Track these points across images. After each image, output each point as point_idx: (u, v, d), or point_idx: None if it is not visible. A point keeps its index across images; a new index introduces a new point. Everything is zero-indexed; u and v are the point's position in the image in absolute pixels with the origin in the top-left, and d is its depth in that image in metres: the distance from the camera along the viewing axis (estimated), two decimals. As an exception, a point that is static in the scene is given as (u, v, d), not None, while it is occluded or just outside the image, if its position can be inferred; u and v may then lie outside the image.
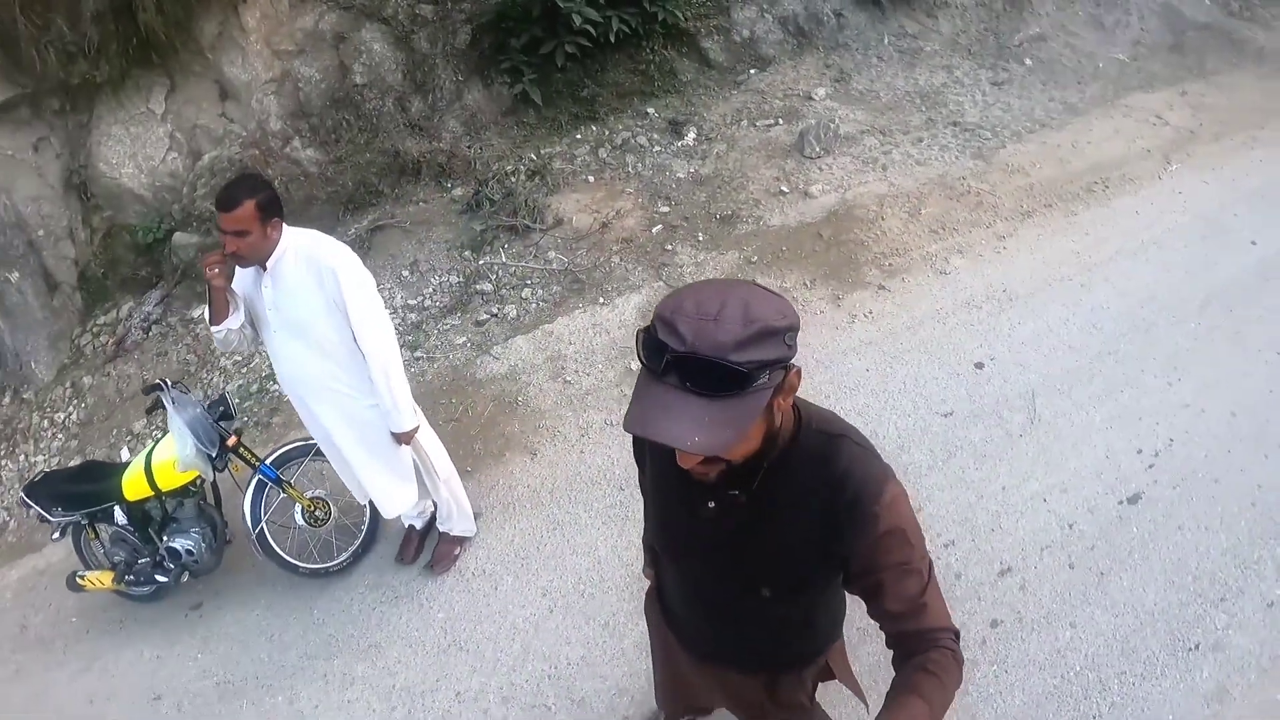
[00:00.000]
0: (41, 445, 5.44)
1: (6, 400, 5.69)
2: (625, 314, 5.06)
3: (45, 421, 5.53)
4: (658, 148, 6.16)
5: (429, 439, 3.72)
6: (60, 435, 5.46)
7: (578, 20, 5.90)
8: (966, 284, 5.04)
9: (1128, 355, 4.49)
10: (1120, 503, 3.75)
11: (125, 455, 5.24)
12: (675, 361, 1.27)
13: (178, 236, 5.77)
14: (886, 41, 6.92)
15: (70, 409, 5.52)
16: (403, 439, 3.47)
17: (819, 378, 4.52)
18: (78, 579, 4.21)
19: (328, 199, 5.95)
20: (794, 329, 1.34)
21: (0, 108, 5.39)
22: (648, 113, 6.39)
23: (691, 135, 6.19)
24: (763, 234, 5.47)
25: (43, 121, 5.62)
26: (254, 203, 2.95)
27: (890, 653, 1.65)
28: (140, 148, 5.75)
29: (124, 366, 5.58)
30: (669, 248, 5.41)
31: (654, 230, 5.55)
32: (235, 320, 3.28)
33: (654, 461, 1.64)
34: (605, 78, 6.45)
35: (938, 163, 5.96)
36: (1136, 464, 3.91)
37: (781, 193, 5.74)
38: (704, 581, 1.91)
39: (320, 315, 3.18)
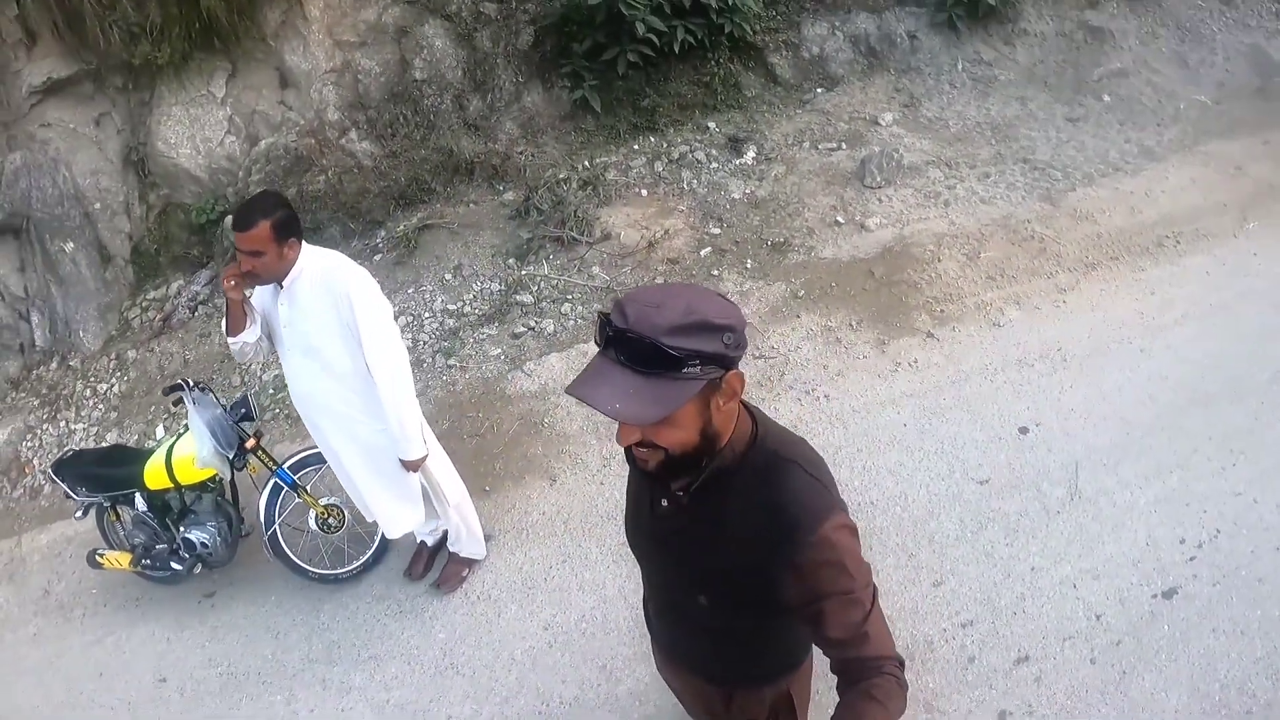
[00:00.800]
0: (82, 414, 5.56)
1: (54, 365, 5.83)
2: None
3: (88, 390, 5.66)
4: (715, 164, 6.02)
5: (439, 464, 3.69)
6: (101, 406, 5.57)
7: (642, 29, 5.77)
8: (1020, 339, 4.80)
9: (1182, 432, 4.19)
10: (1154, 596, 3.52)
11: (160, 433, 5.35)
12: (615, 337, 1.41)
13: (228, 221, 5.82)
14: (960, 67, 6.65)
15: (113, 381, 5.64)
16: (410, 467, 3.44)
17: (854, 428, 4.37)
18: (97, 556, 4.35)
19: (380, 193, 5.95)
20: (733, 330, 1.43)
21: (65, 82, 5.50)
22: (708, 127, 6.25)
23: (751, 154, 6.04)
24: (813, 266, 5.31)
25: (105, 97, 5.73)
26: (269, 223, 2.94)
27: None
28: (199, 129, 5.82)
29: (168, 344, 5.67)
30: (715, 273, 5.29)
31: (702, 253, 5.43)
32: (252, 334, 3.31)
33: (629, 459, 1.68)
34: (667, 88, 6.32)
35: (1003, 202, 5.70)
36: (1177, 555, 3.66)
37: (837, 223, 5.56)
38: (656, 581, 2.04)
39: (334, 337, 3.18)
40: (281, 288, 3.16)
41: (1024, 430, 4.28)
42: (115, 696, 4.07)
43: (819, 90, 6.58)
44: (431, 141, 6.06)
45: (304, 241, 3.14)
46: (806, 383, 4.64)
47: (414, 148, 6.04)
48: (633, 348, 1.39)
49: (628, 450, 1.61)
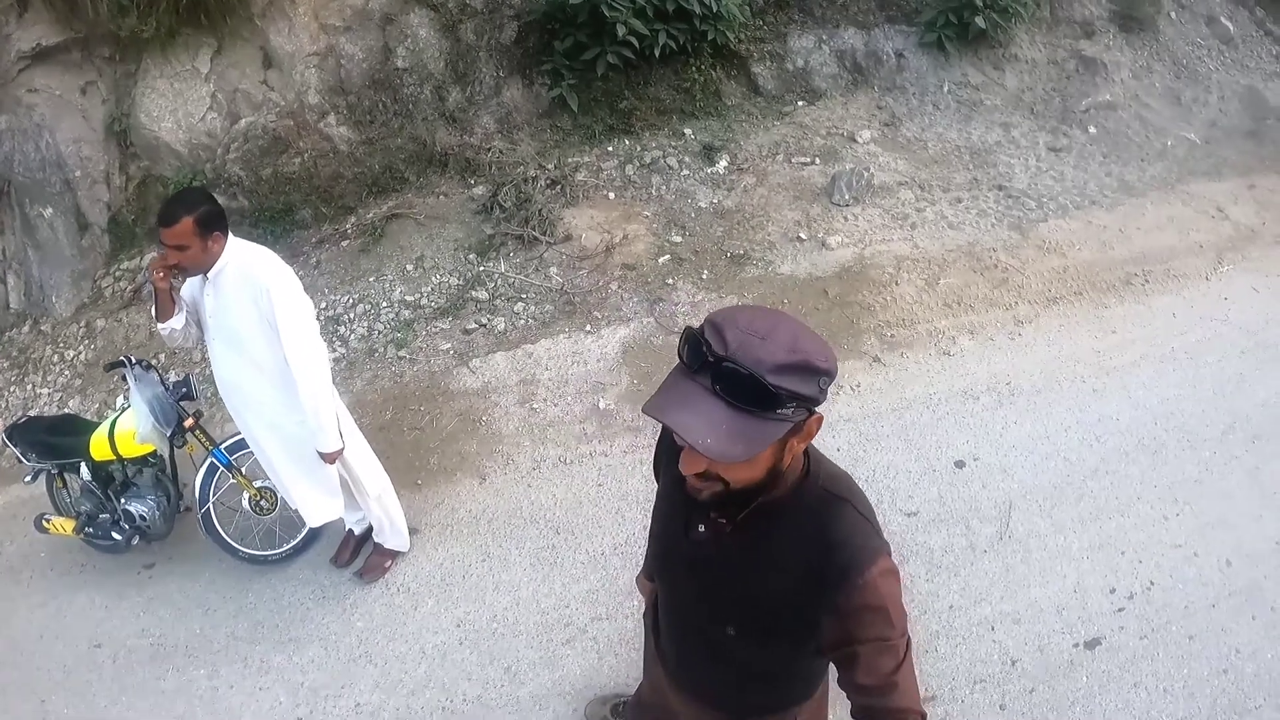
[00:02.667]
0: (49, 378, 5.69)
1: (26, 329, 5.95)
2: (608, 347, 5.01)
3: (56, 356, 5.78)
4: (686, 171, 6.05)
5: (359, 457, 3.78)
6: (67, 372, 5.69)
7: (623, 30, 5.77)
8: (969, 370, 4.81)
9: (1126, 478, 4.17)
10: (1076, 645, 3.51)
11: (120, 403, 5.47)
12: (713, 363, 1.32)
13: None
14: (946, 89, 6.62)
15: (81, 348, 5.75)
16: (327, 459, 3.54)
17: None
18: (44, 521, 4.49)
19: (353, 179, 6.02)
20: (831, 375, 1.37)
21: (53, 50, 5.59)
22: (684, 133, 6.26)
23: (724, 163, 6.06)
24: (769, 280, 5.34)
25: (92, 67, 5.81)
26: (192, 219, 3.04)
27: None
28: (182, 104, 5.89)
29: (136, 315, 5.77)
30: (670, 281, 5.33)
31: (660, 260, 5.47)
32: (178, 321, 3.41)
33: (666, 472, 1.66)
34: (646, 92, 6.32)
35: (971, 229, 5.70)
36: (1105, 605, 3.65)
37: (799, 239, 5.59)
38: (681, 604, 1.96)
39: (254, 330, 3.27)
40: (207, 279, 3.25)
41: (960, 464, 4.30)
42: (52, 659, 4.20)
43: (800, 103, 6.58)
44: (408, 131, 6.11)
45: (230, 235, 3.22)
46: None
47: (390, 136, 6.10)
48: (732, 380, 1.31)
49: (657, 462, 1.61)
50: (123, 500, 4.30)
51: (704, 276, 5.34)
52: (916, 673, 1.64)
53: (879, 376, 4.79)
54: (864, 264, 5.40)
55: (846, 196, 5.70)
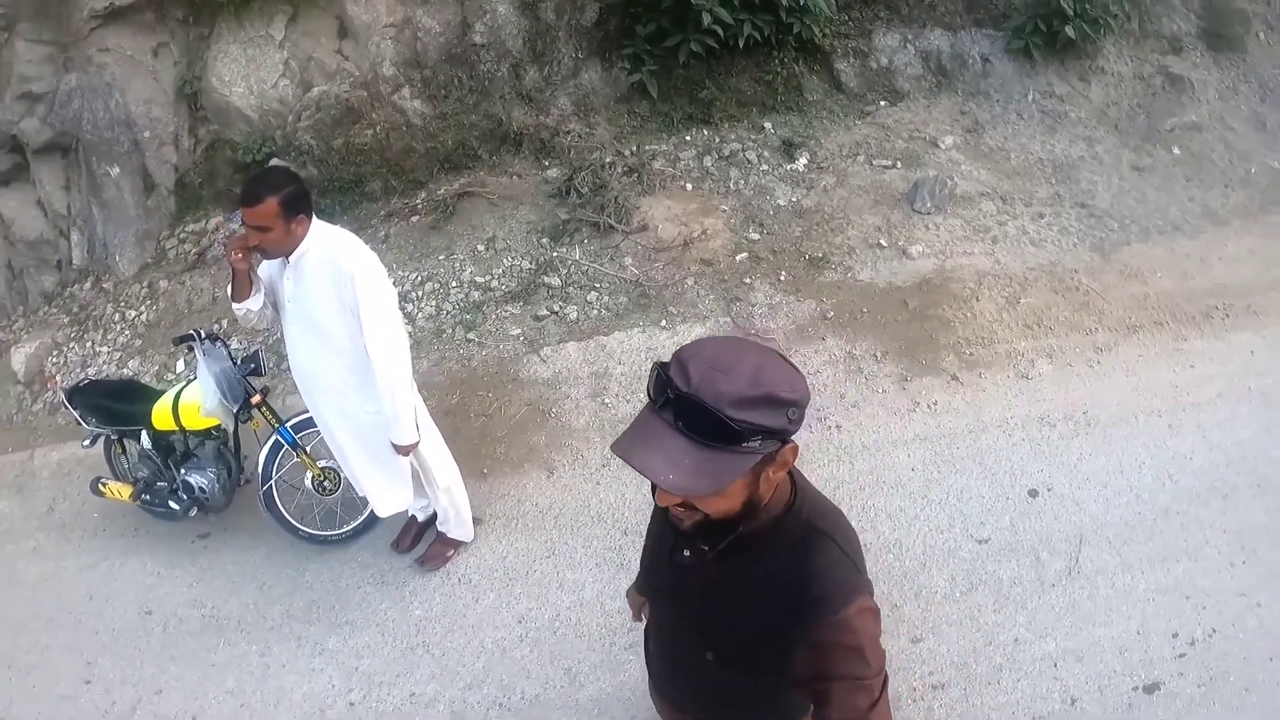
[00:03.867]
0: (109, 337, 5.66)
1: (88, 286, 5.93)
2: (683, 343, 4.89)
3: (117, 315, 5.75)
4: (765, 166, 5.90)
5: (432, 447, 3.70)
6: (127, 331, 5.67)
7: (708, 19, 5.61)
8: (1047, 395, 4.65)
9: (1196, 520, 4.01)
10: (1135, 688, 3.39)
11: (181, 368, 5.43)
12: (675, 399, 1.32)
13: (274, 162, 5.85)
14: (1030, 98, 6.41)
15: (142, 308, 5.72)
16: (401, 451, 3.46)
17: (860, 465, 4.29)
18: (100, 485, 4.48)
19: (425, 154, 5.92)
20: (800, 405, 1.36)
21: (127, 9, 5.55)
22: (764, 127, 6.11)
23: (803, 160, 5.91)
24: (847, 287, 5.20)
25: (165, 28, 5.77)
26: (277, 200, 2.96)
27: None
28: (254, 70, 5.81)
29: (199, 279, 5.72)
30: (747, 280, 5.20)
31: (737, 257, 5.34)
32: (255, 302, 3.34)
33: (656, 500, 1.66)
34: (727, 82, 6.16)
35: (1053, 247, 5.51)
36: (1167, 649, 3.52)
37: (879, 245, 5.43)
38: (665, 626, 2.01)
39: (334, 316, 3.19)
40: (288, 262, 3.17)
41: (1034, 493, 4.16)
42: (101, 622, 4.19)
43: (882, 103, 6.39)
44: (483, 108, 6.00)
45: (314, 218, 3.14)
46: (820, 409, 4.54)
47: (465, 112, 5.99)
48: (693, 415, 1.32)
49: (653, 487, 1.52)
50: (183, 471, 4.27)
51: (781, 278, 5.21)
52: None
53: (956, 396, 4.65)
54: (945, 276, 5.24)
55: (929, 204, 5.53)
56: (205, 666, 3.87)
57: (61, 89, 5.63)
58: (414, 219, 5.81)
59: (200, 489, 4.22)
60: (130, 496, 4.36)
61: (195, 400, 3.96)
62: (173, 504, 4.27)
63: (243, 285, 3.25)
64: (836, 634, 1.53)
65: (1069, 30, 6.20)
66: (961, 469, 4.27)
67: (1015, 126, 6.36)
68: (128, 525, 4.70)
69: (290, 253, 3.12)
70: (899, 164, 5.94)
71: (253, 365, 3.93)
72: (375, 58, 5.87)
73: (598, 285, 5.28)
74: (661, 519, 1.81)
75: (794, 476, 1.63)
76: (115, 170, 5.71)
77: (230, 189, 5.91)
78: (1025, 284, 5.26)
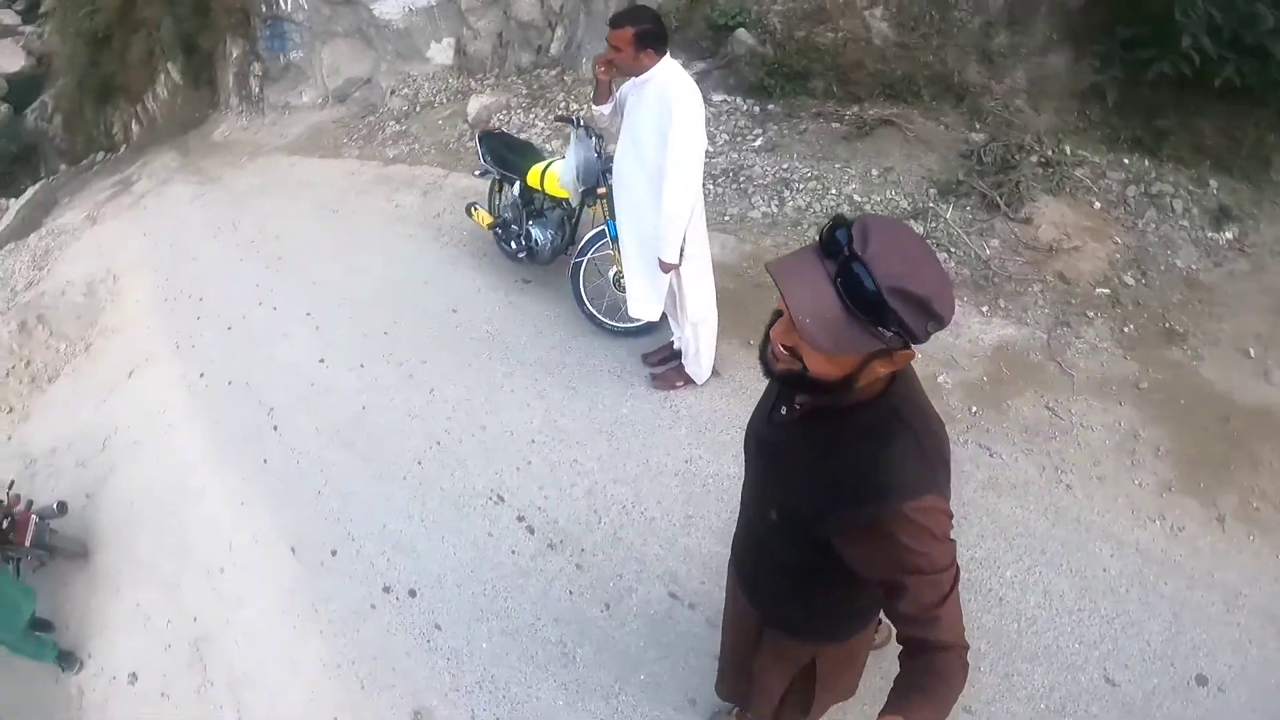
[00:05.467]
0: (548, 116, 6.95)
1: (553, 72, 7.32)
2: (987, 335, 4.97)
3: (564, 102, 7.12)
4: (1185, 222, 5.48)
5: (694, 280, 4.28)
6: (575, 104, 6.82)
7: (1187, 41, 5.15)
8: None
9: None
10: None
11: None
12: (846, 257, 1.39)
13: (739, 32, 6.48)
14: None
15: (585, 106, 6.76)
16: (663, 268, 4.10)
17: (1038, 525, 4.07)
18: (473, 208, 5.79)
19: (873, 73, 6.27)
20: (942, 323, 1.42)
21: None
22: (1209, 183, 5.60)
23: (1229, 234, 5.39)
24: (1181, 372, 4.72)
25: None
26: (634, 31, 3.64)
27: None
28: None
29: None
30: (1090, 314, 5.04)
31: (1098, 290, 5.16)
32: (607, 108, 4.17)
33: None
34: (1191, 121, 5.65)
35: None
36: None
37: (1246, 353, 4.80)
38: (748, 481, 2.09)
39: (651, 136, 3.84)
40: (636, 84, 3.87)
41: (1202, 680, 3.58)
42: (421, 300, 5.63)
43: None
44: (943, 52, 6.15)
45: (667, 56, 3.77)
46: (1064, 460, 4.33)
47: (924, 49, 6.19)
48: (853, 280, 1.37)
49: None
50: (530, 222, 5.27)
51: (1125, 330, 4.98)
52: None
53: (1208, 536, 3.99)
54: None
55: None
56: (467, 361, 5.19)
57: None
58: (834, 125, 6.25)
59: (536, 240, 5.28)
60: (488, 226, 5.58)
61: (557, 172, 4.87)
62: (513, 244, 5.42)
63: (602, 92, 4.09)
64: (898, 525, 1.56)
65: None
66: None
67: None
68: (480, 249, 6.00)
69: (638, 75, 3.80)
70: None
71: (611, 163, 4.52)
72: (859, -36, 6.17)
73: (951, 249, 5.44)
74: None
75: (898, 370, 1.63)
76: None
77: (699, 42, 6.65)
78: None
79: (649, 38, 3.69)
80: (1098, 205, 5.61)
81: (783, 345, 1.56)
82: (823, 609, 2.05)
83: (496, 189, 5.72)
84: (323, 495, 4.70)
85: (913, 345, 1.46)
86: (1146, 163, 5.76)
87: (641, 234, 4.16)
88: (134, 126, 13.14)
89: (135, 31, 12.01)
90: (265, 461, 5.02)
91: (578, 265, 5.03)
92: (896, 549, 1.57)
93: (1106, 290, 5.19)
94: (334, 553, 4.39)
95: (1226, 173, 5.64)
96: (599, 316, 5.11)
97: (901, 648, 1.66)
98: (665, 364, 4.87)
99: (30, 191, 11.70)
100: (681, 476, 4.36)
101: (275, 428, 5.24)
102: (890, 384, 1.64)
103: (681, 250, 4.05)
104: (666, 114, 3.69)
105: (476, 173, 5.92)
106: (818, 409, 1.69)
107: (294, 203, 8.00)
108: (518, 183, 5.27)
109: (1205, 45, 5.17)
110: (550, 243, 5.28)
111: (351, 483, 4.72)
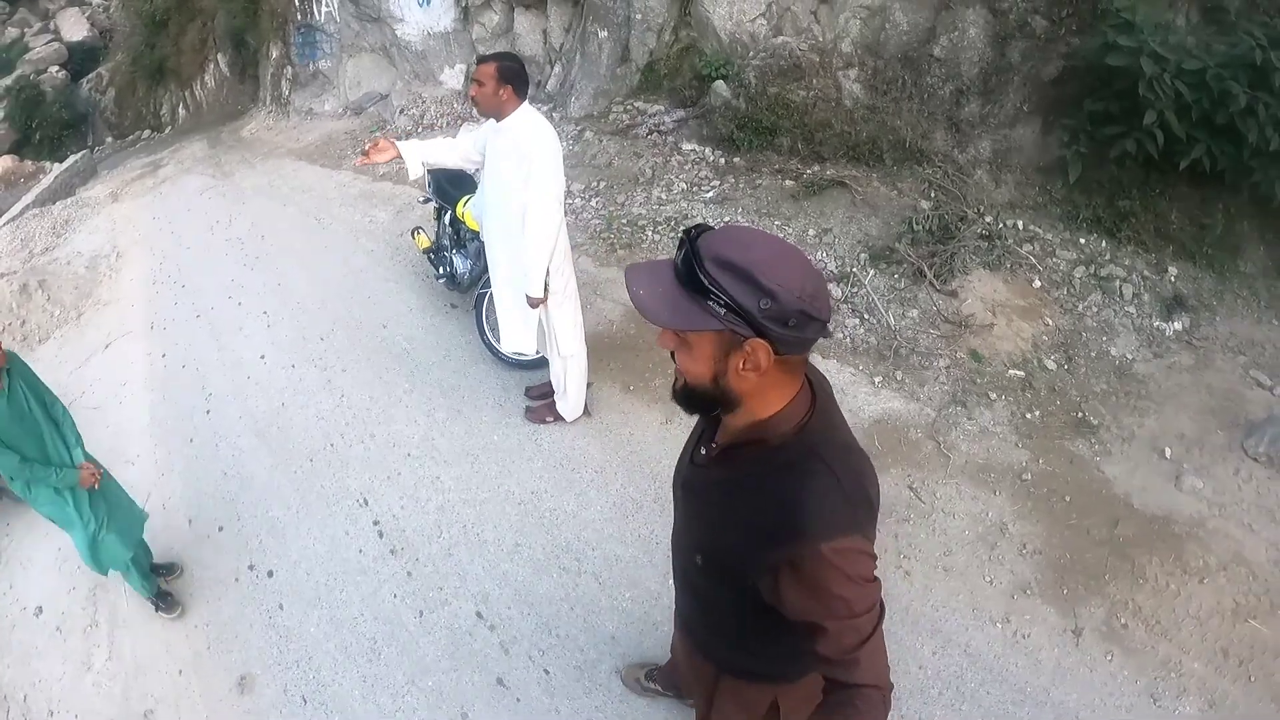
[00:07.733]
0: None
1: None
2: (871, 408, 4.70)
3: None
4: (1132, 309, 5.03)
5: (563, 317, 4.33)
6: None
7: (1150, 117, 4.78)
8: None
9: None
10: None
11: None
12: (683, 241, 1.49)
13: (718, 84, 6.50)
14: None
15: (567, 143, 6.91)
16: (530, 303, 4.14)
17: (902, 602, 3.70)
18: (415, 232, 6.09)
19: (839, 134, 6.12)
20: (777, 300, 1.40)
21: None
22: (1167, 270, 5.13)
23: (1178, 326, 4.90)
24: (1079, 467, 4.29)
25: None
26: (496, 66, 3.77)
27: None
28: (738, 5, 6.47)
29: (611, 143, 6.77)
30: (993, 395, 4.65)
31: (1010, 372, 4.78)
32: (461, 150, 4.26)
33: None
34: (1156, 203, 5.21)
35: None
36: None
37: (1162, 454, 4.33)
38: (677, 525, 2.03)
39: (512, 176, 3.92)
40: (497, 125, 3.94)
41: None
42: (356, 309, 6.01)
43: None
44: (910, 117, 5.96)
45: (526, 103, 3.88)
46: (914, 541, 4.03)
47: (892, 114, 6.01)
48: (683, 258, 1.46)
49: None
50: (454, 251, 5.44)
51: (1028, 417, 4.55)
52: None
53: (1059, 646, 3.59)
54: (1189, 532, 3.98)
55: (1262, 450, 4.24)
56: (379, 374, 5.37)
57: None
58: (786, 183, 6.12)
59: (457, 269, 5.47)
60: (423, 250, 5.77)
61: (471, 208, 5.01)
62: (440, 269, 5.56)
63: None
64: (816, 568, 1.53)
65: None
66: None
67: None
68: (425, 271, 6.23)
69: (497, 116, 3.89)
70: (1278, 389, 4.64)
71: None
72: (840, 32, 6.14)
73: (865, 315, 5.19)
74: (700, 421, 1.87)
75: (817, 405, 1.64)
76: (604, 34, 6.86)
77: (681, 90, 6.74)
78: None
79: (511, 75, 3.81)
80: (1038, 284, 5.24)
81: (665, 344, 1.59)
82: (772, 653, 1.95)
83: (437, 216, 5.94)
84: (227, 476, 4.98)
85: (765, 335, 1.45)
86: (1104, 243, 5.36)
87: (510, 271, 4.25)
88: (181, 110, 14.08)
89: (192, 19, 13.01)
90: (191, 440, 5.34)
91: (481, 296, 5.16)
92: (815, 591, 1.55)
93: (1020, 373, 4.80)
94: (220, 528, 4.66)
95: (1189, 260, 5.19)
96: (496, 347, 5.19)
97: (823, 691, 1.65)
98: (543, 399, 4.89)
99: (72, 159, 12.32)
100: (524, 506, 4.38)
101: (208, 411, 5.56)
102: (808, 420, 1.61)
103: (547, 286, 4.11)
104: (525, 159, 3.81)
105: (420, 199, 6.17)
106: (735, 446, 1.67)
107: (285, 207, 8.53)
108: (449, 212, 5.46)
109: (1171, 123, 4.81)
110: (469, 272, 5.45)
111: (253, 469, 4.99)
